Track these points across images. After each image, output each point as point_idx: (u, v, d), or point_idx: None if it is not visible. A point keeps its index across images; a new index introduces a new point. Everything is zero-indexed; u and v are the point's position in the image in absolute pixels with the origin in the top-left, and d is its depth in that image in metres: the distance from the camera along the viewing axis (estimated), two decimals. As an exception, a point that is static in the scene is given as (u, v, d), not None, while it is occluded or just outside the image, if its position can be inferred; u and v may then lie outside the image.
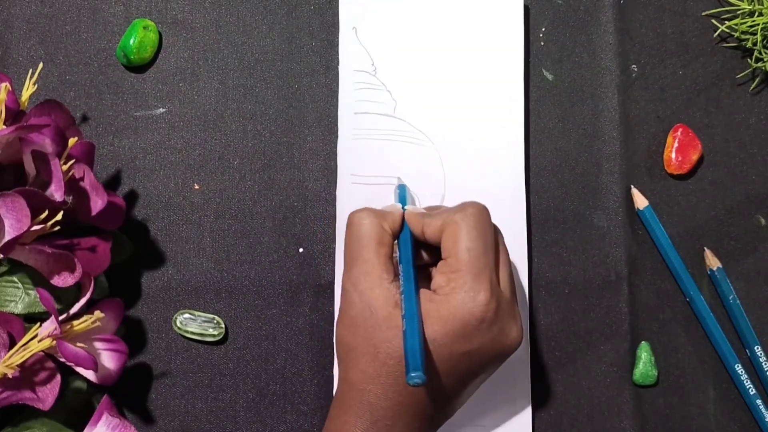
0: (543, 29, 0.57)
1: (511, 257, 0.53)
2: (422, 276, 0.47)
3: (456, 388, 0.45)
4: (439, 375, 0.43)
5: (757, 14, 0.55)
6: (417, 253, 0.48)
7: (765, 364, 0.54)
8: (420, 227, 0.47)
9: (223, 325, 0.53)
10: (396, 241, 0.47)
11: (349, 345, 0.44)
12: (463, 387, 0.45)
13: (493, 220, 0.53)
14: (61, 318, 0.46)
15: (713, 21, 0.57)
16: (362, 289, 0.44)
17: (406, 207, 0.49)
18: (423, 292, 0.45)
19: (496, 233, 0.46)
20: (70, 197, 0.47)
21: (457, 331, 0.43)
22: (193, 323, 0.53)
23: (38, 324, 0.46)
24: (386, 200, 0.54)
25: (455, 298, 0.43)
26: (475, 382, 0.46)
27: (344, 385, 0.45)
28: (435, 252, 0.48)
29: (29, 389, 0.46)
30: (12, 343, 0.46)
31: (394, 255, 0.47)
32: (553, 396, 0.54)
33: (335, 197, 0.54)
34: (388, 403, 0.43)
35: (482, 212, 0.45)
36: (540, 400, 0.54)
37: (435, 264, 0.48)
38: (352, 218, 0.46)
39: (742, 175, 0.56)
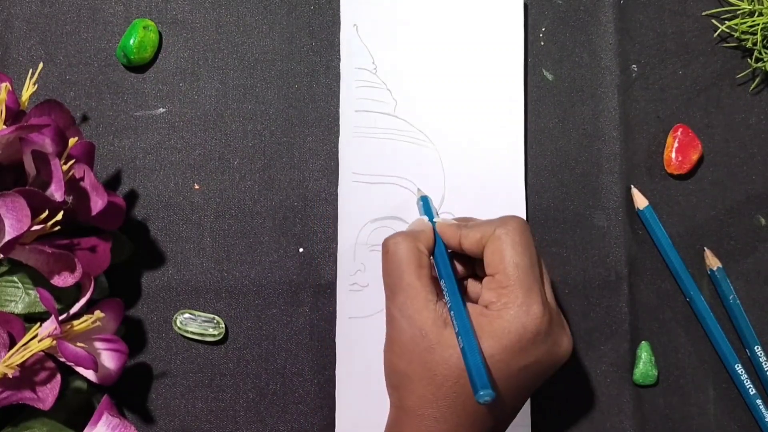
0: (543, 29, 0.57)
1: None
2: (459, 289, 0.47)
3: (514, 402, 0.45)
4: (499, 391, 0.43)
5: (757, 14, 0.55)
6: (453, 265, 0.47)
7: (765, 364, 0.54)
8: (457, 239, 0.46)
9: (223, 325, 0.53)
10: (432, 258, 0.47)
11: (404, 372, 0.44)
12: (521, 401, 0.45)
13: (493, 220, 0.54)
14: (61, 318, 0.46)
15: (713, 21, 0.57)
16: (410, 314, 0.44)
17: (435, 219, 0.49)
18: (472, 307, 0.44)
19: (535, 248, 0.46)
20: (70, 197, 0.47)
21: (513, 345, 0.42)
22: (193, 323, 0.53)
23: (38, 324, 0.46)
24: (387, 199, 0.54)
25: (508, 313, 0.43)
26: (530, 395, 0.46)
27: (399, 413, 0.44)
28: (468, 262, 0.48)
29: (29, 389, 0.46)
30: (12, 343, 0.46)
31: (432, 273, 0.46)
32: (553, 396, 0.54)
33: (335, 197, 0.54)
34: (447, 425, 0.43)
35: (525, 226, 0.45)
36: (540, 400, 0.54)
37: (469, 276, 0.49)
38: (387, 245, 0.46)
39: (742, 175, 0.56)
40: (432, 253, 0.47)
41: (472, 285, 0.49)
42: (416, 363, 0.43)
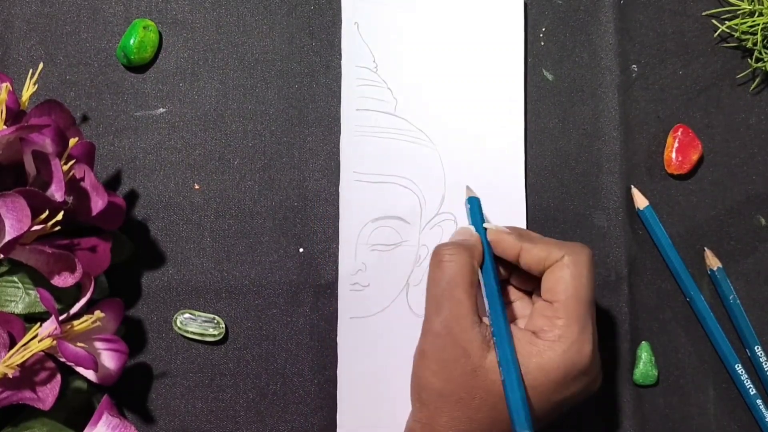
0: (543, 29, 0.57)
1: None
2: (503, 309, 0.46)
3: (543, 426, 0.44)
4: (534, 421, 0.42)
5: (757, 14, 0.55)
6: (499, 282, 0.46)
7: (765, 364, 0.54)
8: (516, 251, 0.45)
9: (223, 325, 0.53)
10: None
11: (438, 390, 0.43)
12: (549, 425, 0.45)
13: (493, 220, 0.54)
14: (61, 318, 0.46)
15: (713, 21, 0.57)
16: (456, 332, 0.42)
17: (486, 226, 0.47)
18: (519, 332, 0.43)
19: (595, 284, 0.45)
20: (71, 197, 0.47)
21: (559, 380, 0.42)
22: (193, 323, 0.53)
23: (38, 324, 0.46)
24: (388, 199, 0.54)
25: (560, 347, 0.42)
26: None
27: (425, 429, 0.43)
28: (507, 267, 0.47)
29: (29, 389, 0.46)
30: (12, 343, 0.46)
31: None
32: (553, 396, 0.54)
33: (336, 197, 0.54)
34: None
35: (592, 259, 0.44)
36: (540, 400, 0.54)
37: (509, 279, 0.47)
38: (441, 254, 0.44)
39: (742, 175, 0.56)
40: (481, 268, 0.45)
41: (518, 301, 0.48)
42: (455, 384, 0.42)
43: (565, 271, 0.43)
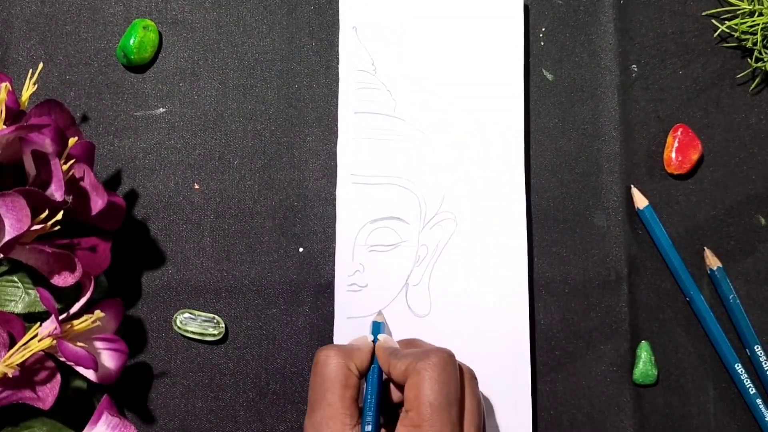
0: (543, 29, 0.57)
1: (512, 257, 0.53)
2: (394, 416, 0.46)
3: None
4: None
5: (757, 14, 0.55)
6: (387, 390, 0.46)
7: (765, 363, 0.54)
8: (386, 367, 0.45)
9: (223, 325, 0.54)
10: (364, 379, 0.46)
11: None
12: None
13: (493, 220, 0.54)
14: (61, 317, 0.46)
15: (713, 21, 0.57)
16: None
17: (378, 338, 0.48)
18: None
19: (462, 380, 0.44)
20: (70, 197, 0.47)
21: None
22: (193, 323, 0.53)
23: (38, 323, 0.46)
24: (386, 200, 0.54)
25: None
26: None
27: None
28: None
29: (29, 389, 0.46)
30: (12, 342, 0.46)
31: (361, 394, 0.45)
32: (553, 396, 0.54)
33: (335, 197, 0.54)
34: None
35: (446, 361, 0.43)
36: (540, 400, 0.54)
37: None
38: (318, 357, 0.45)
39: (742, 175, 0.56)
40: (365, 374, 0.46)
41: (398, 424, 0.47)
42: None
43: (416, 377, 0.42)
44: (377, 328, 0.50)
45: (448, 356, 0.44)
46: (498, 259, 0.53)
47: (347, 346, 0.47)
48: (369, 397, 0.45)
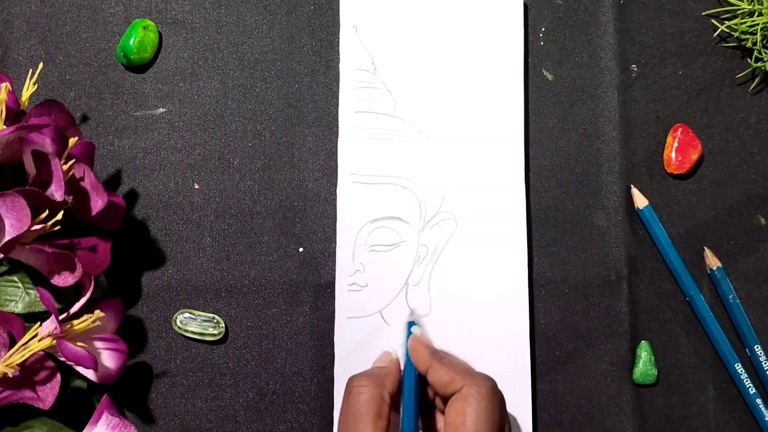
0: (543, 29, 0.57)
1: (511, 257, 0.53)
2: (427, 417, 0.45)
3: None
4: None
5: (757, 14, 0.55)
6: (421, 393, 0.46)
7: (765, 363, 0.54)
8: (425, 366, 0.45)
9: (223, 325, 0.54)
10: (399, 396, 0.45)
11: None
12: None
13: (493, 220, 0.54)
14: (61, 317, 0.46)
15: (713, 21, 0.57)
16: None
17: (412, 330, 0.47)
18: None
19: (504, 417, 0.44)
20: (70, 197, 0.48)
21: None
22: (193, 323, 0.53)
23: (38, 323, 0.46)
24: (386, 200, 0.54)
25: None
26: None
27: None
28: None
29: (29, 388, 0.46)
30: (12, 342, 0.46)
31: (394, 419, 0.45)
32: (553, 396, 0.54)
33: (335, 197, 0.54)
34: None
35: (496, 394, 0.43)
36: (540, 399, 0.54)
37: (434, 404, 0.47)
38: (351, 386, 0.45)
39: (742, 175, 0.56)
40: (394, 396, 0.45)
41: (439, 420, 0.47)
42: None
43: (463, 403, 0.42)
44: (409, 328, 0.49)
45: (494, 386, 0.43)
46: (498, 259, 0.53)
47: (377, 371, 0.46)
48: (407, 417, 0.44)
